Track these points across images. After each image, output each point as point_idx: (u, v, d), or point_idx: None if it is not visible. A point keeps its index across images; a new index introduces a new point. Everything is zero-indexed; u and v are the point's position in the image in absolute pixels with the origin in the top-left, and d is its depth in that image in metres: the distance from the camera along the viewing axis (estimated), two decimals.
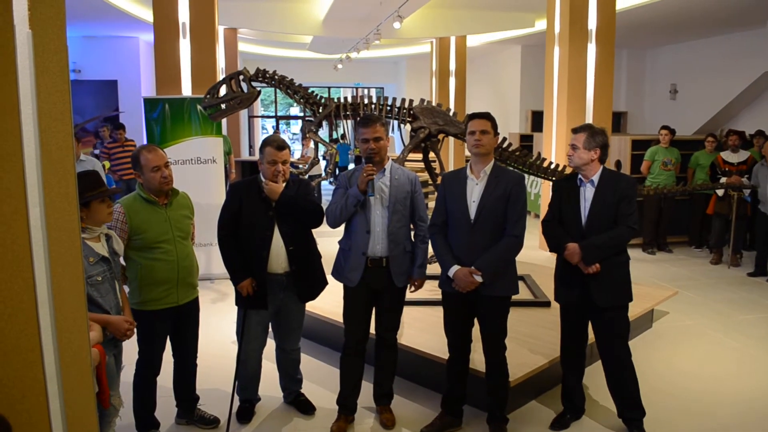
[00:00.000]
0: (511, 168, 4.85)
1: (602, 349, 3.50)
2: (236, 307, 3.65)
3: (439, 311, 3.54)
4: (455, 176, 3.40)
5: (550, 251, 3.57)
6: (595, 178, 3.38)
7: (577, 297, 3.42)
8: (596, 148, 3.35)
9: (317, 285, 3.67)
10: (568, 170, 5.49)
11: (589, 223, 3.35)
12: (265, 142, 3.48)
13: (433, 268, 3.59)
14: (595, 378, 4.04)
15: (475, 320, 3.42)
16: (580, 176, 3.44)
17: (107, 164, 9.30)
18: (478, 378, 3.55)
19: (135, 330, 2.97)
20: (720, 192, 7.49)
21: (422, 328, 4.27)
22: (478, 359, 3.62)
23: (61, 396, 1.56)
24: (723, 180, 7.34)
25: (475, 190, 3.28)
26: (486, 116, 3.32)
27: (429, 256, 3.63)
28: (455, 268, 3.22)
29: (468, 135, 3.32)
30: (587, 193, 3.39)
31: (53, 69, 1.57)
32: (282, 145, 3.45)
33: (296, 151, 17.70)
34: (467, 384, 3.54)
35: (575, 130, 3.44)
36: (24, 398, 1.48)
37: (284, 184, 3.43)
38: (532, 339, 4.10)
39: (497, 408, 3.44)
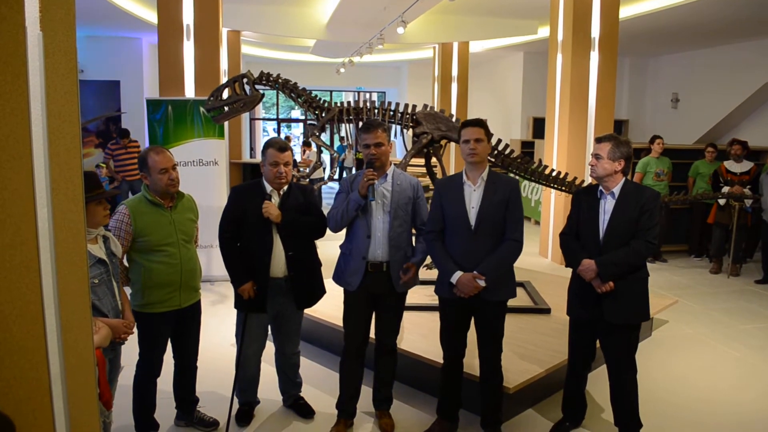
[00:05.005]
0: (511, 174, 4.86)
1: (610, 364, 3.41)
2: (236, 310, 3.66)
3: (438, 317, 3.54)
4: (450, 182, 3.38)
5: (566, 266, 3.43)
6: (616, 190, 3.26)
7: (591, 314, 3.32)
8: (621, 159, 3.23)
9: (315, 293, 3.67)
10: (569, 178, 5.52)
11: (607, 237, 3.23)
12: (268, 144, 3.49)
13: (431, 275, 3.58)
14: (595, 386, 4.04)
15: (471, 325, 3.42)
16: (600, 188, 3.32)
17: (108, 166, 9.32)
18: (474, 382, 3.55)
19: (135, 332, 2.96)
20: (722, 201, 7.48)
21: (422, 334, 4.27)
22: (473, 363, 3.62)
23: (65, 397, 1.56)
24: (725, 189, 7.33)
25: (473, 197, 3.28)
26: (479, 123, 3.29)
27: (428, 262, 3.63)
28: (458, 273, 3.22)
29: (462, 143, 3.30)
30: (607, 206, 3.26)
31: (62, 70, 1.57)
32: (284, 147, 3.46)
33: (297, 154, 17.72)
34: (463, 388, 3.54)
35: (599, 140, 3.31)
36: (29, 399, 1.49)
37: (278, 211, 3.41)
38: (532, 346, 4.10)
39: (491, 411, 3.45)
